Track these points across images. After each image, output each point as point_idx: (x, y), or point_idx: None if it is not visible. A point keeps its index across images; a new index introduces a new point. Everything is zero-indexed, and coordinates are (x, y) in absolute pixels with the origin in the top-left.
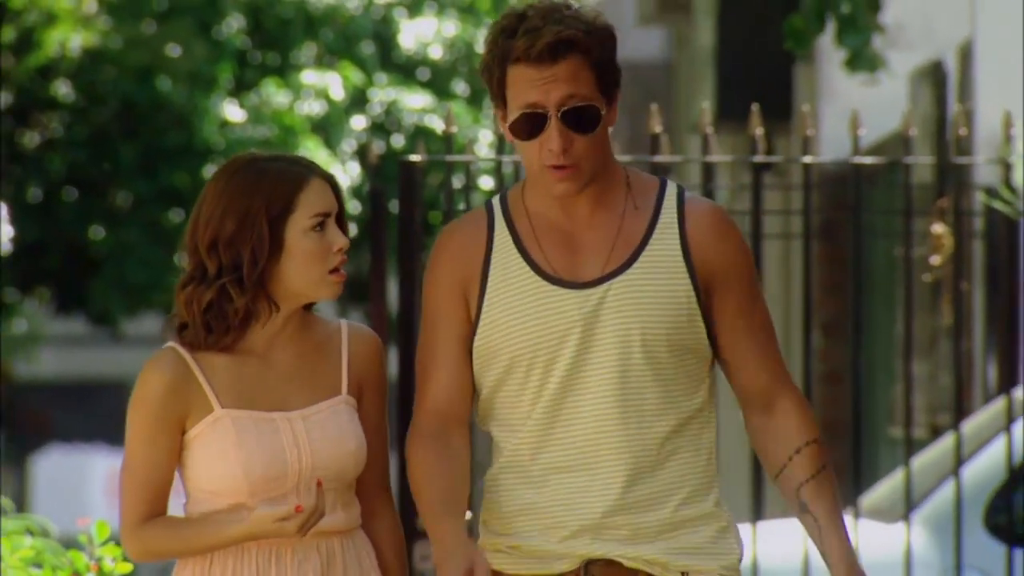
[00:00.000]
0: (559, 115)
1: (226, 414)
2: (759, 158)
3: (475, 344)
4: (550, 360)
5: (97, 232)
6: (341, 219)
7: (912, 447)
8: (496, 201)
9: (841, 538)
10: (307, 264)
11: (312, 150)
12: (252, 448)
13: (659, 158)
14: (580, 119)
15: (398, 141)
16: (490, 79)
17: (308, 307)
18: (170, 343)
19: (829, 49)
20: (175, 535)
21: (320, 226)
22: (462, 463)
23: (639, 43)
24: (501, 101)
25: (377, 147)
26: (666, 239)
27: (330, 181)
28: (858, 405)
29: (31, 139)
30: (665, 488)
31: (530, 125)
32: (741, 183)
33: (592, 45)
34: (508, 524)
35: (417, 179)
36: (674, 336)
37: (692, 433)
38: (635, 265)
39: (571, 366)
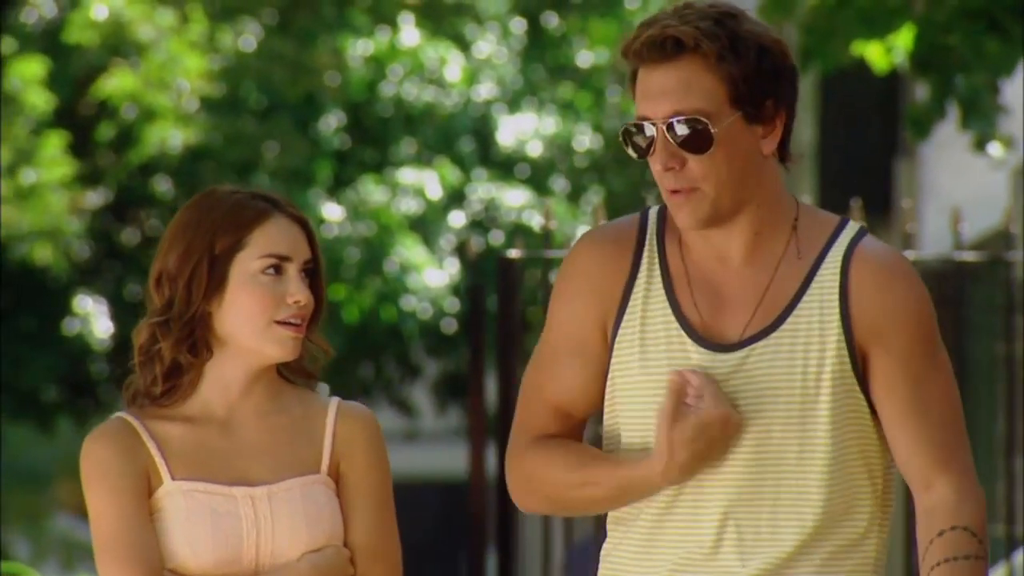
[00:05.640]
0: (664, 129)
1: (177, 488)
2: None
3: (606, 388)
4: None
5: None
6: (316, 273)
7: (1014, 544)
8: (654, 214)
9: None
10: (250, 310)
11: (410, 247)
12: (202, 527)
13: None
14: (687, 136)
15: (497, 238)
16: (628, 83)
17: (302, 379)
18: (119, 413)
19: (929, 144)
20: None
21: (274, 269)
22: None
23: None
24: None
25: (476, 244)
26: (822, 296)
27: (303, 225)
28: None
29: (130, 236)
30: None
31: (640, 140)
32: None
33: (715, 49)
34: None
35: (515, 275)
36: None
37: (847, 547)
38: (782, 328)
39: None
